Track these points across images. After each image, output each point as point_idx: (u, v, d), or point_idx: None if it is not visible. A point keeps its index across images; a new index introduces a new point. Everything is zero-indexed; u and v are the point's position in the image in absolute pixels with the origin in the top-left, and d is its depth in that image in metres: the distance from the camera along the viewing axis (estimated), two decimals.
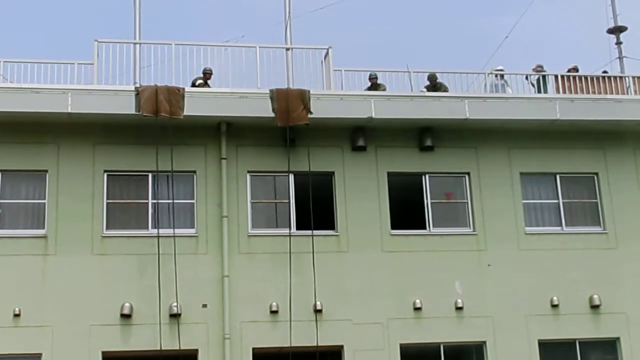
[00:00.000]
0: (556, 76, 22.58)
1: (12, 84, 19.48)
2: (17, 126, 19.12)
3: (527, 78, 22.68)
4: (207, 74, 20.78)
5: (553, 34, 52.77)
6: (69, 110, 18.80)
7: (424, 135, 20.61)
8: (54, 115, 18.96)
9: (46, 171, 19.29)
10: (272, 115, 19.40)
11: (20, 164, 19.22)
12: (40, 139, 19.29)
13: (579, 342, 20.30)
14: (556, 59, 45.84)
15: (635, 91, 22.76)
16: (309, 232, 19.57)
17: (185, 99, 19.16)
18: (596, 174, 21.46)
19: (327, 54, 21.22)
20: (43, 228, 19.04)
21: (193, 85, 20.50)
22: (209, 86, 20.66)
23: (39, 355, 18.28)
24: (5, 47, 49.47)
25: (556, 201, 21.25)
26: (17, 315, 18.31)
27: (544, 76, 22.84)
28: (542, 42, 50.78)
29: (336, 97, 20.07)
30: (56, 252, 18.86)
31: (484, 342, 19.93)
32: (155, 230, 19.13)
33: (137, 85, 19.67)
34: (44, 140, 19.31)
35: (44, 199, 19.20)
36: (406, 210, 20.46)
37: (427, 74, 21.92)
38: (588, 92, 22.08)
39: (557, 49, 48.67)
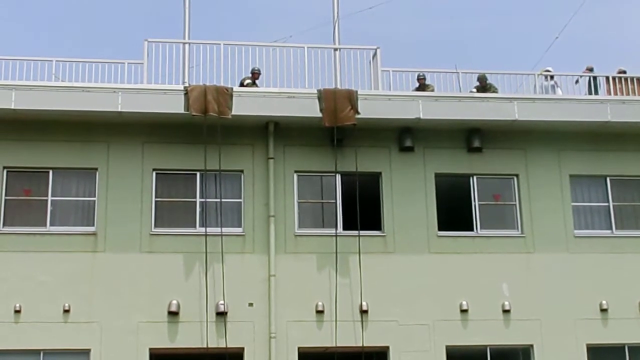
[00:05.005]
0: (607, 78, 22.31)
1: (63, 83, 19.72)
2: (69, 125, 19.40)
3: (577, 82, 22.41)
4: (255, 74, 20.85)
5: (604, 35, 52.06)
6: (119, 109, 19.02)
7: (472, 136, 20.49)
8: (104, 114, 19.19)
9: (96, 169, 19.54)
10: (320, 115, 19.43)
11: (71, 162, 19.49)
12: (91, 138, 19.54)
13: (628, 347, 20.03)
14: (608, 59, 45.20)
15: None
16: (355, 232, 19.55)
17: (234, 98, 19.27)
18: None
19: (375, 54, 21.19)
20: (93, 225, 19.28)
21: (241, 85, 20.60)
22: (257, 86, 20.74)
23: (88, 351, 18.51)
24: (56, 46, 50.13)
25: (606, 204, 21.00)
26: (66, 311, 18.58)
27: (594, 78, 22.56)
28: (593, 42, 50.13)
29: (384, 98, 20.03)
30: (105, 250, 19.07)
31: (532, 346, 19.75)
32: (203, 229, 19.25)
33: (186, 84, 19.83)
34: (94, 138, 19.55)
35: (94, 196, 19.45)
36: (453, 211, 20.36)
37: (476, 74, 21.79)
38: None
39: (609, 50, 47.99)
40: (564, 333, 19.81)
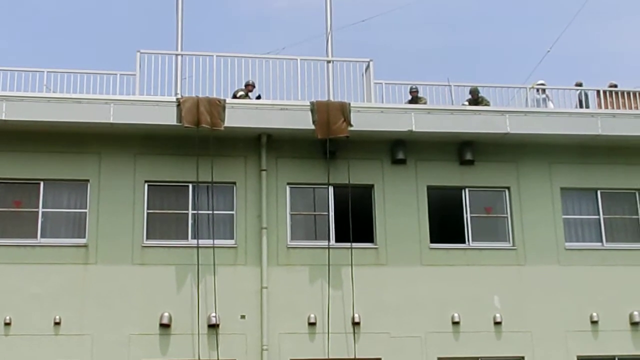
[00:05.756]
0: (598, 91, 22.44)
1: (55, 94, 19.61)
2: (60, 136, 19.29)
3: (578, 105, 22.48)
4: (249, 87, 20.82)
5: (596, 49, 52.45)
6: (111, 121, 18.94)
7: (464, 149, 20.54)
8: (96, 126, 19.10)
9: (88, 181, 19.44)
10: (313, 127, 19.42)
11: (62, 173, 19.38)
12: (83, 149, 19.46)
13: (619, 359, 20.12)
14: (599, 73, 45.54)
15: None
16: (347, 244, 19.54)
17: (226, 110, 19.25)
18: (638, 190, 21.29)
19: (368, 66, 21.20)
20: (84, 237, 19.18)
21: (234, 96, 20.56)
22: (250, 98, 20.71)
23: None
24: (48, 57, 49.94)
25: (597, 217, 21.10)
26: (57, 324, 18.46)
27: (586, 94, 22.67)
28: (585, 56, 50.47)
29: (376, 110, 20.04)
30: (97, 262, 18.98)
31: (523, 358, 19.79)
32: (195, 241, 19.20)
33: (179, 96, 19.79)
34: (86, 150, 19.47)
35: (85, 208, 19.35)
36: (445, 224, 20.42)
37: (468, 87, 21.89)
38: (630, 108, 21.94)
39: (600, 64, 48.34)
40: (554, 345, 19.88)
